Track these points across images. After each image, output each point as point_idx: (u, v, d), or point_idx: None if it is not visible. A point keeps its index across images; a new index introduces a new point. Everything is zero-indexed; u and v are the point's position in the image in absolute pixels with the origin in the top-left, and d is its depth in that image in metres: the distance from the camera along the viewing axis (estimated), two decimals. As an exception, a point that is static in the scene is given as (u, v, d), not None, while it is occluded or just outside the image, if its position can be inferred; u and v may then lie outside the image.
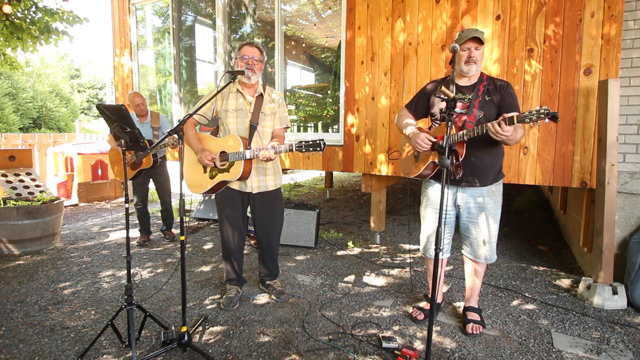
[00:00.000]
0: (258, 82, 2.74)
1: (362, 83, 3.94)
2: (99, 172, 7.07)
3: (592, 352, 2.21)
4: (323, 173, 10.10)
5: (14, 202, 4.13)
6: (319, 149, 2.32)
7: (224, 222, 2.79)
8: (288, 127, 2.86)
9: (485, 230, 2.35)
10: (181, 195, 2.06)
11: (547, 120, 1.81)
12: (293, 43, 7.04)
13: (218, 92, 2.38)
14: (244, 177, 2.61)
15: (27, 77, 22.81)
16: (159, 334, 2.32)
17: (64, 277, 3.32)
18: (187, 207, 5.65)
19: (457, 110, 2.27)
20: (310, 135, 5.14)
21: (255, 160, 2.66)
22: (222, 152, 2.62)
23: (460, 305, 2.75)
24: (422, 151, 2.30)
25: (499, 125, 1.94)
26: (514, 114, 1.92)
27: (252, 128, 2.64)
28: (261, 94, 2.71)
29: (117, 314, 2.23)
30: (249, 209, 2.83)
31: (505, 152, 2.44)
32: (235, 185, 2.72)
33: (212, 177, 2.68)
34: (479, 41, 2.21)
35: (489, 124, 1.99)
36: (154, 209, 5.36)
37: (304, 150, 2.34)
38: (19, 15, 5.36)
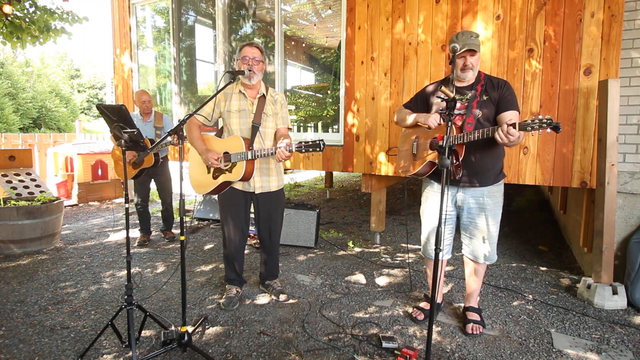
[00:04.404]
0: (260, 83, 2.73)
1: (362, 83, 3.94)
2: (99, 172, 7.07)
3: (592, 352, 2.21)
4: (323, 173, 10.10)
5: (14, 202, 4.13)
6: (318, 149, 2.32)
7: (225, 222, 2.79)
8: (290, 129, 2.86)
9: (486, 231, 2.35)
10: (181, 195, 2.06)
11: (548, 130, 1.81)
12: (293, 43, 7.04)
13: (217, 92, 2.39)
14: (246, 178, 2.61)
15: (27, 77, 22.80)
16: (159, 334, 2.32)
17: (64, 277, 3.32)
18: (187, 207, 5.65)
19: (456, 111, 2.27)
20: (310, 135, 5.14)
21: (258, 161, 2.66)
22: (225, 153, 2.63)
23: (460, 305, 2.75)
24: (432, 128, 2.28)
25: (507, 129, 1.92)
26: (515, 120, 1.93)
27: (255, 129, 2.65)
28: (263, 94, 2.72)
29: (117, 314, 2.23)
30: (251, 209, 2.84)
31: (505, 152, 2.44)
32: (238, 185, 2.72)
33: (215, 178, 2.68)
34: (474, 51, 2.23)
35: (498, 128, 1.97)
36: (154, 208, 5.35)
37: (303, 150, 2.35)
38: (18, 14, 5.34)
